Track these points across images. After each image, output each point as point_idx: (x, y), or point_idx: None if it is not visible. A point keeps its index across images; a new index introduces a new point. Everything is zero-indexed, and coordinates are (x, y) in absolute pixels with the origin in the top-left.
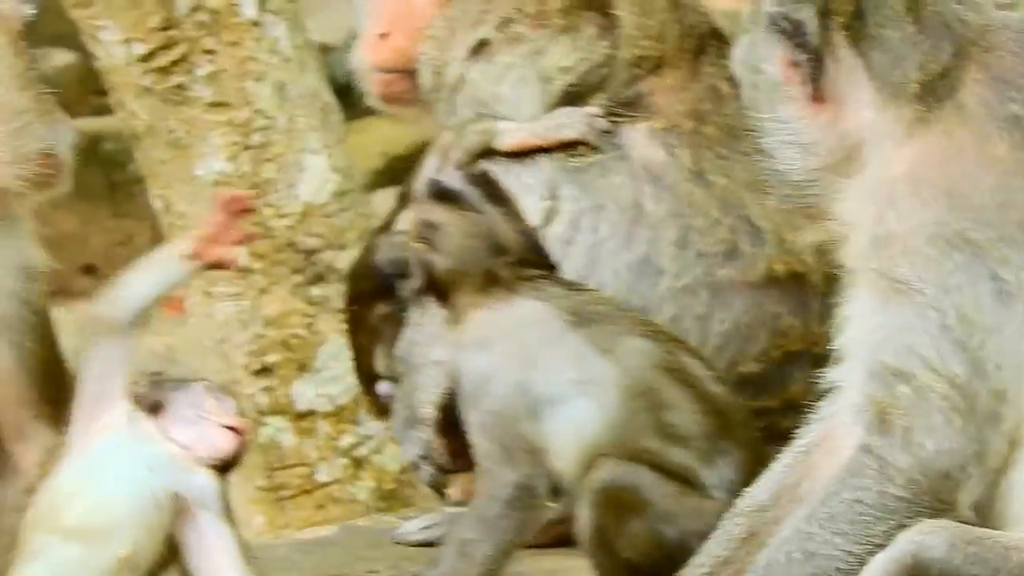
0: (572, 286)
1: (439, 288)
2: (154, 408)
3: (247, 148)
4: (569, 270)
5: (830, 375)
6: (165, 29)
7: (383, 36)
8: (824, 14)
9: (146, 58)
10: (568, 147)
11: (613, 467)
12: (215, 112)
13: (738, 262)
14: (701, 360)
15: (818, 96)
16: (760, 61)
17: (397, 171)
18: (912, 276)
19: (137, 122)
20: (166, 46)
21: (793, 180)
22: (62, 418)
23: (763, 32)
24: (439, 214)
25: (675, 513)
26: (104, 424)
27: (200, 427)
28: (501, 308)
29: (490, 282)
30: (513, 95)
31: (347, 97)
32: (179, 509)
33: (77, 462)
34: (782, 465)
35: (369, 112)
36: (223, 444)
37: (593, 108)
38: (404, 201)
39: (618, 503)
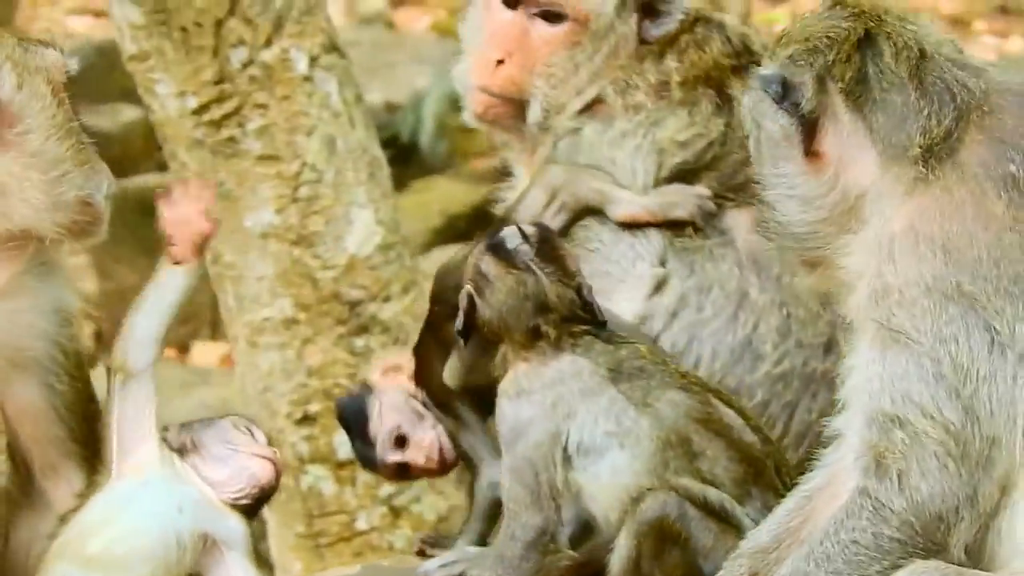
0: (616, 340)
1: (479, 331)
2: (185, 450)
3: (295, 201)
4: (668, 341)
5: (834, 423)
6: (218, 83)
7: (499, 62)
8: (822, 78)
9: (199, 111)
10: (674, 224)
11: (663, 499)
12: (265, 165)
13: (833, 356)
14: (736, 409)
15: (814, 154)
16: (761, 116)
17: (457, 229)
18: (909, 327)
19: (188, 173)
20: (219, 99)
21: (793, 232)
22: (93, 457)
23: (760, 91)
24: (491, 266)
25: (713, 549)
26: (135, 463)
27: (234, 461)
28: (543, 361)
29: (534, 337)
30: (629, 163)
31: (411, 156)
32: (206, 549)
33: (107, 497)
34: (785, 509)
35: (431, 171)
36: (260, 472)
37: (703, 189)
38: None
39: (661, 535)
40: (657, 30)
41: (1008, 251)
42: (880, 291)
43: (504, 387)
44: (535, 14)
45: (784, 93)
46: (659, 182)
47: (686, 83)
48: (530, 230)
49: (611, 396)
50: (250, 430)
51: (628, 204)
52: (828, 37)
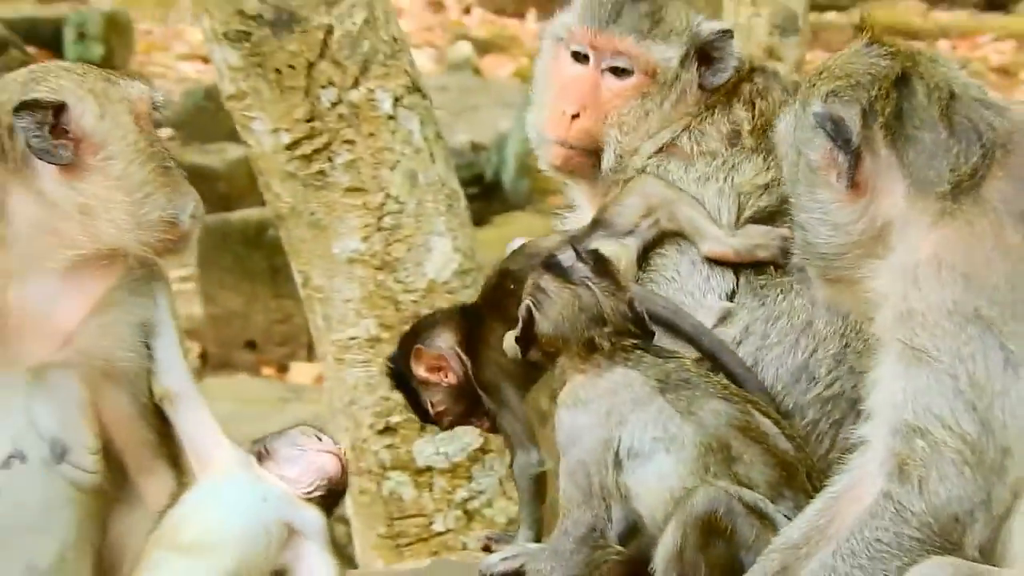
0: (663, 354)
1: (538, 345)
2: (260, 458)
3: (380, 229)
4: None
5: (859, 431)
6: (309, 121)
7: (574, 116)
8: (866, 114)
9: (291, 146)
10: (756, 263)
11: (712, 494)
12: (352, 196)
13: None
14: (772, 419)
15: (854, 185)
16: (802, 144)
17: None
18: (931, 346)
19: (281, 204)
20: (310, 136)
21: (821, 252)
22: (182, 457)
23: (810, 124)
24: (549, 283)
25: (755, 543)
26: (216, 467)
27: (303, 459)
28: (598, 373)
29: (589, 350)
30: (715, 202)
31: (494, 193)
32: (289, 542)
33: (196, 492)
34: (814, 510)
35: (512, 207)
36: (327, 466)
37: (785, 231)
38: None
39: (708, 528)
40: (715, 78)
41: (1023, 279)
42: (905, 313)
43: (562, 397)
44: (605, 69)
45: (837, 129)
46: (742, 223)
47: (755, 131)
48: (584, 251)
49: (659, 405)
50: (317, 436)
51: (718, 242)
52: (870, 74)
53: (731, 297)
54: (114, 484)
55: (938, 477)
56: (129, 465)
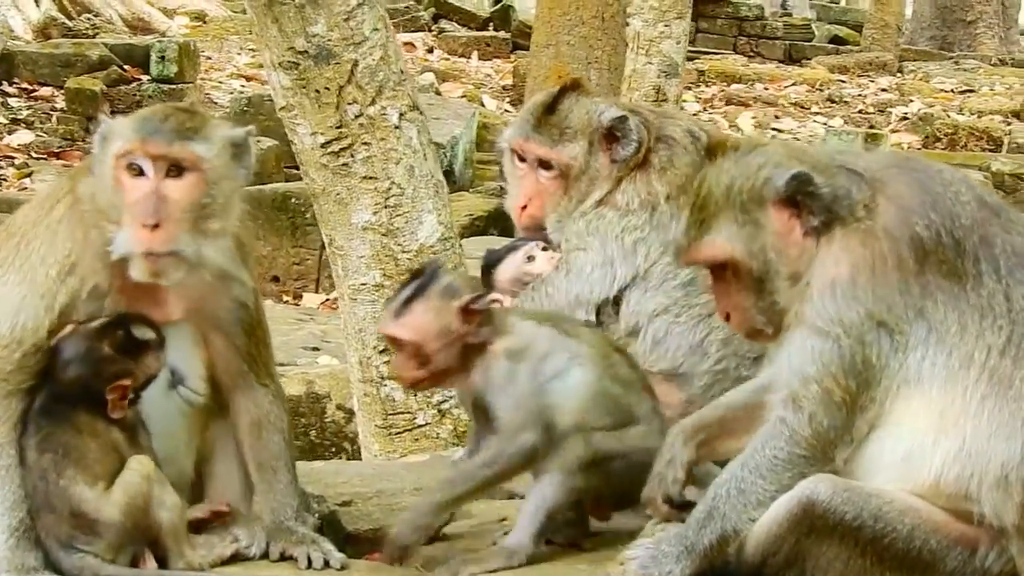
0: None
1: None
2: None
3: (386, 207)
4: (651, 331)
5: (762, 370)
6: (338, 127)
7: (523, 207)
8: (807, 183)
9: (324, 145)
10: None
11: (588, 439)
12: (367, 183)
13: (758, 367)
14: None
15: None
16: (760, 220)
17: (476, 228)
18: (840, 332)
19: (316, 186)
20: (338, 138)
21: (774, 304)
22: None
23: (774, 197)
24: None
25: (626, 451)
26: None
27: None
28: (511, 331)
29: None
30: (632, 249)
31: (448, 178)
32: None
33: None
34: (727, 400)
35: (461, 188)
36: None
37: None
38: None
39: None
40: (624, 151)
41: (911, 290)
42: (822, 309)
43: (504, 350)
44: (536, 165)
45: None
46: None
47: (670, 199)
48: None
49: (555, 335)
50: None
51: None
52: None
53: (621, 291)
54: (213, 400)
55: (822, 412)
56: (224, 386)
